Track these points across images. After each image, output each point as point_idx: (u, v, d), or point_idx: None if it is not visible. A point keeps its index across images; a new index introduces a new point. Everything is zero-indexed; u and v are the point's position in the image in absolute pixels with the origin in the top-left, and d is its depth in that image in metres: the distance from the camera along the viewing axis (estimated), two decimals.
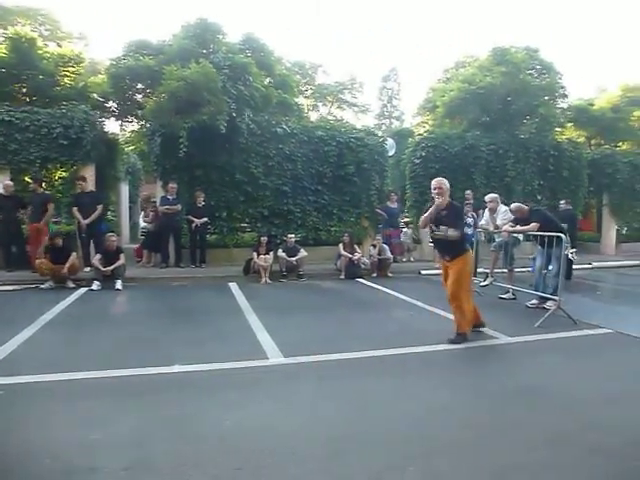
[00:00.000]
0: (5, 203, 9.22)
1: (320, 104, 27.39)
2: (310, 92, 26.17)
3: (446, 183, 5.34)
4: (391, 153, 13.54)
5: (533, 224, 6.82)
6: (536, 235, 7.00)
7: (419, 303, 7.36)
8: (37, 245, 8.87)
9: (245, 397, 3.68)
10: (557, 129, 14.92)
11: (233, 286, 8.73)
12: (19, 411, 3.39)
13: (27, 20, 15.27)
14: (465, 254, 5.31)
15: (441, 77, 21.14)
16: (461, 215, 5.71)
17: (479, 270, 8.89)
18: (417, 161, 12.91)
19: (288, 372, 4.27)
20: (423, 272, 10.73)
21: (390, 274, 10.28)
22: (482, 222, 8.43)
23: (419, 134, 15.40)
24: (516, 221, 7.29)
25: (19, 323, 5.69)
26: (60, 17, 15.78)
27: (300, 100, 19.91)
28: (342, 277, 9.86)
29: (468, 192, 11.45)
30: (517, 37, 61.35)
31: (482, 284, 8.15)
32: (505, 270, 7.98)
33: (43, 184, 9.81)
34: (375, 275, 10.13)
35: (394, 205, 11.93)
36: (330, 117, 25.53)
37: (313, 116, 24.40)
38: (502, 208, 7.98)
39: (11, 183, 9.48)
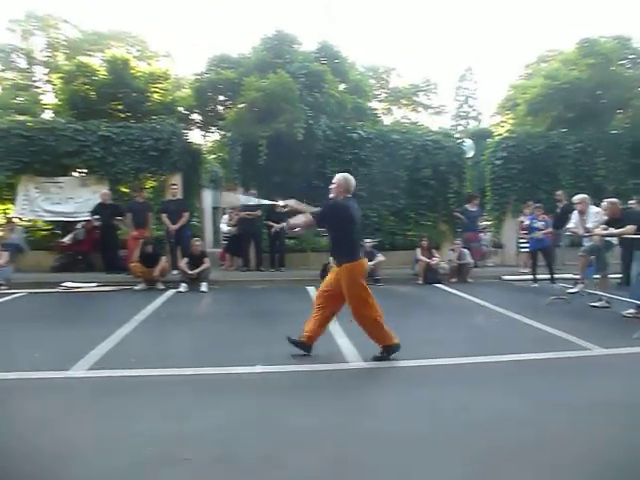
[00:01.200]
0: (104, 211, 10.03)
1: (394, 107, 27.15)
2: (384, 96, 26.04)
3: (345, 179, 4.69)
4: (470, 155, 13.15)
5: (629, 227, 6.34)
6: (633, 239, 6.50)
7: (501, 310, 7.09)
8: (133, 250, 9.56)
9: (325, 399, 3.75)
10: None
11: (311, 290, 8.88)
12: (119, 402, 3.68)
13: (119, 43, 16.56)
14: (352, 263, 4.54)
15: (522, 74, 20.27)
16: (329, 214, 4.67)
17: (566, 276, 8.44)
18: (498, 162, 12.46)
19: (367, 376, 4.29)
20: (505, 277, 10.34)
21: (470, 279, 10.00)
22: (571, 225, 7.96)
23: (499, 134, 14.88)
24: (608, 222, 6.82)
25: (117, 321, 6.16)
26: (147, 38, 17.00)
27: (374, 104, 19.92)
28: (420, 282, 9.73)
29: (559, 192, 10.79)
30: (605, 27, 57.28)
31: (571, 291, 7.71)
32: (597, 276, 7.48)
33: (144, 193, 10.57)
34: (454, 280, 9.89)
35: (474, 208, 11.52)
36: (404, 120, 25.26)
37: (387, 120, 24.26)
38: (592, 210, 7.50)
39: (109, 192, 10.31)
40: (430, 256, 9.87)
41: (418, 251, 9.93)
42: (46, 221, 11.42)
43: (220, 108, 12.61)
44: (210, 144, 14.86)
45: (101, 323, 6.28)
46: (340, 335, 5.56)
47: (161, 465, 2.72)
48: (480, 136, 17.65)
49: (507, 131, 14.40)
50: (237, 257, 11.11)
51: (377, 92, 24.25)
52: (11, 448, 2.94)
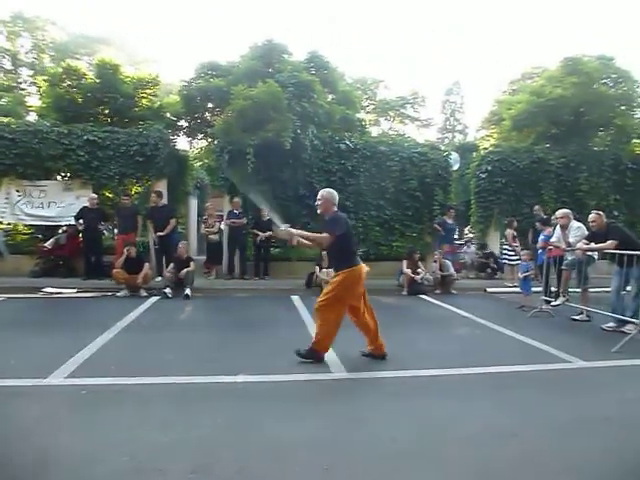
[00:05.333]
0: (89, 215, 9.89)
1: (382, 119, 27.39)
2: (372, 107, 26.26)
3: (330, 193, 4.93)
4: (455, 167, 13.31)
5: (610, 242, 6.45)
6: (613, 254, 6.61)
7: (484, 322, 7.14)
8: (121, 255, 9.42)
9: (307, 409, 3.73)
10: (636, 140, 14.08)
11: (295, 299, 8.86)
12: (97, 411, 3.60)
13: (108, 47, 16.44)
14: (346, 269, 4.75)
15: (507, 89, 20.64)
16: (334, 223, 4.80)
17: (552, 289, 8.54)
18: (483, 175, 12.63)
19: (350, 387, 4.27)
20: (489, 290, 10.42)
21: (454, 291, 10.06)
22: (553, 239, 8.07)
23: (484, 148, 15.07)
24: (592, 236, 6.92)
25: (98, 328, 6.06)
26: (136, 42, 16.94)
27: (362, 115, 20.06)
28: (404, 293, 9.76)
29: (536, 207, 11.01)
30: (588, 45, 58.67)
31: (554, 304, 7.79)
32: (578, 290, 7.58)
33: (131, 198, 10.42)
34: (438, 292, 9.94)
35: (451, 220, 11.59)
36: (392, 132, 25.48)
37: (374, 131, 24.43)
38: (574, 224, 7.60)
39: (95, 196, 10.17)
40: (416, 268, 9.91)
41: (404, 263, 9.97)
42: (27, 225, 11.25)
43: (208, 115, 12.59)
44: (197, 151, 14.75)
45: (81, 330, 6.16)
46: None
47: (134, 476, 2.66)
48: (466, 149, 17.90)
49: (492, 145, 14.57)
50: (218, 265, 10.98)
51: (365, 104, 24.44)
52: None
